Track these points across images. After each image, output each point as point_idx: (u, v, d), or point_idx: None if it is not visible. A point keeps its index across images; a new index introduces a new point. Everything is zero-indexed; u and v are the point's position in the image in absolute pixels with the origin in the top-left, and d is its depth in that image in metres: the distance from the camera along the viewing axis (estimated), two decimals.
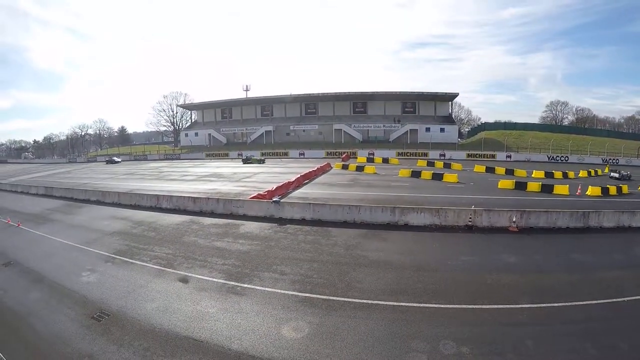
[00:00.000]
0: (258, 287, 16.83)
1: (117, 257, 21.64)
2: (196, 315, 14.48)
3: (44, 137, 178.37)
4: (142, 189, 44.93)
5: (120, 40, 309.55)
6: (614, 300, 15.58)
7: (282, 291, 16.41)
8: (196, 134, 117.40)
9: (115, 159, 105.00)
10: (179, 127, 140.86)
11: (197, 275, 18.37)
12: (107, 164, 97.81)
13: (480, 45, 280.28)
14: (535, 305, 14.95)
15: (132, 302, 15.82)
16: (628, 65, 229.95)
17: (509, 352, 11.92)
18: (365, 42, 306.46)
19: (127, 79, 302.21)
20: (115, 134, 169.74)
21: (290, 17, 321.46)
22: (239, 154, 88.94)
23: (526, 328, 13.33)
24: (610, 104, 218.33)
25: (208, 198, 32.89)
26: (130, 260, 20.92)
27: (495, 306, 14.91)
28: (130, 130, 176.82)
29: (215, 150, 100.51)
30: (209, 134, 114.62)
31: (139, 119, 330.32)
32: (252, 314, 14.48)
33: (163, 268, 19.52)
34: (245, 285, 17.06)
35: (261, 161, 77.01)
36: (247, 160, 78.00)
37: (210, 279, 17.95)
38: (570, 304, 15.14)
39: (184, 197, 34.07)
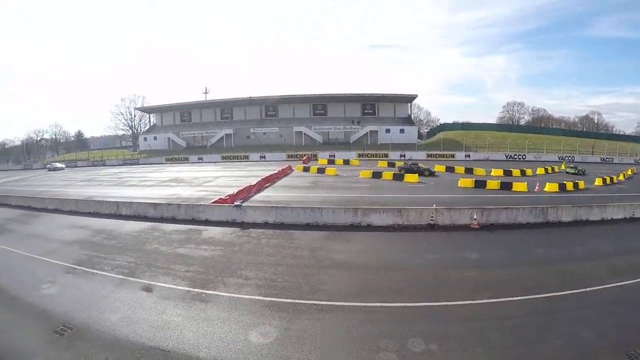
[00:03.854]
0: (223, 294, 16.75)
1: (78, 267, 21.12)
2: (161, 324, 14.30)
3: None
4: (101, 195, 43.92)
5: (77, 41, 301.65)
6: (576, 291, 16.37)
7: (248, 296, 16.36)
8: (155, 138, 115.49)
9: (58, 165, 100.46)
10: (137, 131, 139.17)
11: (160, 284, 18.12)
12: (49, 171, 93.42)
13: (438, 48, 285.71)
14: (499, 300, 15.46)
15: (96, 314, 15.47)
16: (580, 68, 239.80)
17: (476, 347, 12.32)
18: (325, 44, 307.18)
19: (84, 82, 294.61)
20: (72, 138, 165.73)
21: (251, 20, 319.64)
22: (199, 158, 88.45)
23: (491, 322, 13.77)
24: (565, 103, 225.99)
25: (169, 204, 32.49)
26: (92, 271, 20.45)
27: (460, 302, 15.29)
28: (87, 134, 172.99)
29: (175, 155, 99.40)
30: (169, 138, 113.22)
31: (97, 123, 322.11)
32: (219, 320, 14.41)
33: (125, 277, 19.16)
34: (210, 292, 16.95)
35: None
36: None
37: (175, 286, 17.73)
38: (533, 296, 15.78)
39: (145, 203, 33.53)
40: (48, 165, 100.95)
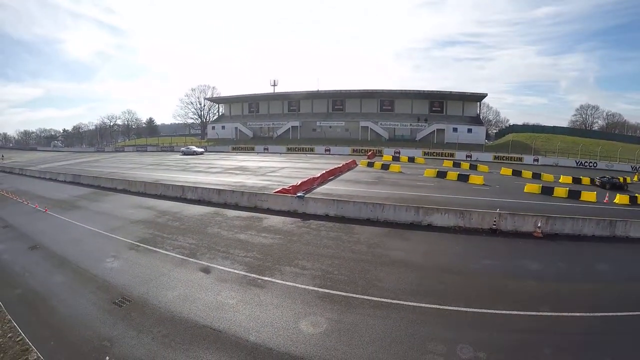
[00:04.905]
0: (279, 281, 16.89)
1: (141, 245, 21.96)
2: (216, 305, 14.63)
3: (73, 127, 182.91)
4: (168, 179, 45.41)
5: (150, 33, 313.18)
6: (637, 313, 15.20)
7: (303, 286, 16.42)
8: (223, 127, 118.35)
9: (196, 148, 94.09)
10: (206, 119, 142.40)
11: (219, 266, 18.54)
12: (183, 155, 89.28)
13: (511, 45, 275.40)
14: (556, 314, 14.59)
15: (154, 290, 16.07)
16: None
17: None
18: (395, 40, 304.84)
19: (155, 71, 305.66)
20: (143, 125, 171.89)
21: (320, 12, 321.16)
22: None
23: (545, 336, 13.04)
24: None
25: (233, 191, 33.07)
26: (154, 249, 21.23)
27: (515, 312, 14.61)
28: (157, 121, 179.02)
29: (242, 144, 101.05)
30: (236, 128, 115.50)
31: (167, 111, 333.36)
32: (272, 307, 14.54)
33: (186, 257, 19.77)
34: (266, 279, 17.13)
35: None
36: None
37: (232, 270, 18.07)
38: (591, 314, 14.71)
39: (209, 188, 34.38)
40: (183, 148, 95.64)
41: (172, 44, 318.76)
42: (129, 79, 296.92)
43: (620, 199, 36.97)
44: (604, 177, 47.92)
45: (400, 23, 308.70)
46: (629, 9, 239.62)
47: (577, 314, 14.70)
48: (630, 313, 15.04)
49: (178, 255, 20.07)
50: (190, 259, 19.53)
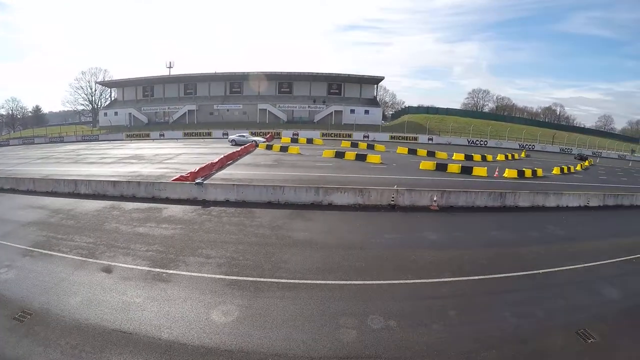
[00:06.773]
0: (184, 273, 16.78)
1: (36, 249, 20.55)
2: (123, 306, 14.23)
3: None
4: (59, 173, 42.78)
5: (37, 9, 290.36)
6: (530, 272, 17.23)
7: (209, 275, 16.49)
8: (116, 114, 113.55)
9: (255, 138, 68.17)
10: (97, 106, 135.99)
11: (120, 264, 17.94)
12: (235, 145, 63.96)
13: (410, 32, 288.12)
14: (457, 279, 16.10)
15: (55, 298, 15.21)
16: (550, 61, 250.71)
17: (434, 323, 12.83)
18: (295, 22, 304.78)
19: (42, 52, 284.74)
20: (30, 114, 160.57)
21: None
22: (160, 134, 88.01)
23: (449, 300, 14.37)
24: (530, 94, 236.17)
25: (129, 181, 31.93)
26: (50, 253, 19.94)
27: (419, 281, 15.86)
28: (45, 109, 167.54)
29: (136, 131, 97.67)
30: (130, 114, 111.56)
31: (55, 98, 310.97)
32: (180, 300, 14.47)
33: (85, 258, 18.83)
34: (171, 272, 16.93)
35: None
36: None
37: (135, 266, 17.62)
38: (489, 277, 16.49)
39: (104, 181, 32.84)
40: (234, 137, 69.62)
41: (62, 21, 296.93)
42: (11, 62, 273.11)
43: (509, 173, 40.35)
44: (578, 154, 72.16)
45: (304, 6, 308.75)
46: (523, 4, 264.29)
47: (476, 278, 16.37)
48: (523, 273, 17.15)
49: (76, 257, 19.07)
50: (90, 260, 18.65)
